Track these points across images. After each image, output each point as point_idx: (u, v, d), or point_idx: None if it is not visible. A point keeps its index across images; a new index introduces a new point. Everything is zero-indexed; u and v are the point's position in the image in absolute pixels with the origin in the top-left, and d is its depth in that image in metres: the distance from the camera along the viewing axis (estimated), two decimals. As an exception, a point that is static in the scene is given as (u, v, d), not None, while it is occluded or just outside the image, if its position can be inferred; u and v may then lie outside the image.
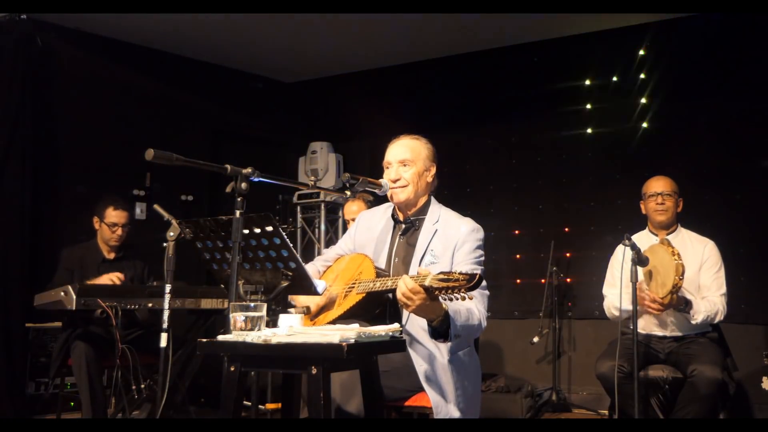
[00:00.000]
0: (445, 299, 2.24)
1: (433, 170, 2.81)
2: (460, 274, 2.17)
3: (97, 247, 4.37)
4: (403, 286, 2.27)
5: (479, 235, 2.71)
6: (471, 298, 2.24)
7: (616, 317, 3.71)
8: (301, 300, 2.76)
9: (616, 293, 3.62)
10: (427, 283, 2.22)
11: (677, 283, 3.41)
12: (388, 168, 2.78)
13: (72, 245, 4.37)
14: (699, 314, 3.59)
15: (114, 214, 4.31)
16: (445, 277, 2.19)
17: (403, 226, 2.81)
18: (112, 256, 4.38)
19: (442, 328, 2.38)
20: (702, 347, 3.61)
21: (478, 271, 2.23)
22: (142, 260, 4.48)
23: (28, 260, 4.94)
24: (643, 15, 5.14)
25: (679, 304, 3.54)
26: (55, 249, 4.59)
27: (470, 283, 2.14)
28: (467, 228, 2.70)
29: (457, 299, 2.20)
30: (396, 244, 2.80)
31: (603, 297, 3.92)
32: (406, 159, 2.75)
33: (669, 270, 3.43)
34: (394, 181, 2.74)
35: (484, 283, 2.32)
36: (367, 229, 2.92)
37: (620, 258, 3.51)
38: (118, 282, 4.05)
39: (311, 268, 2.91)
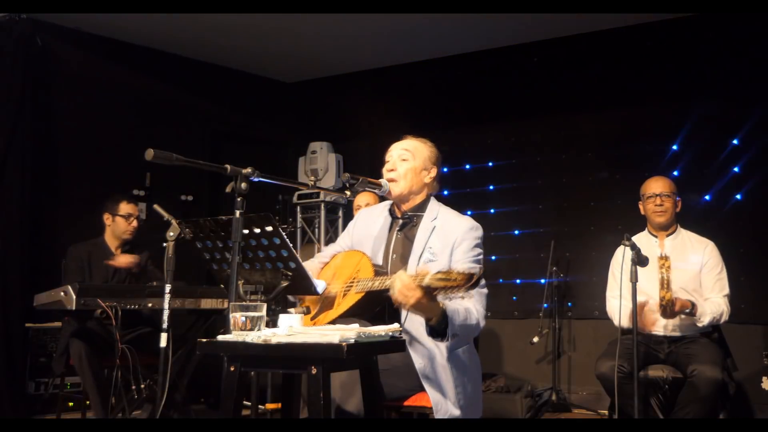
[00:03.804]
0: (444, 298, 2.23)
1: (434, 173, 2.80)
2: (458, 273, 2.16)
3: (104, 243, 4.41)
4: (398, 284, 2.26)
5: (478, 234, 2.70)
6: (471, 297, 2.23)
7: (618, 322, 3.70)
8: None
9: (618, 296, 3.62)
10: (425, 282, 2.21)
11: (664, 296, 3.46)
12: (388, 161, 2.79)
13: (78, 243, 4.39)
14: (705, 317, 3.60)
15: (128, 207, 4.40)
16: (444, 276, 2.18)
17: (401, 221, 2.81)
18: (119, 251, 4.42)
19: (440, 327, 2.37)
20: (702, 347, 3.61)
21: (476, 270, 2.22)
22: (147, 252, 4.52)
23: (28, 260, 4.95)
24: (645, 15, 5.15)
25: (685, 308, 3.54)
26: (55, 249, 4.60)
27: (469, 282, 2.13)
28: (466, 226, 2.69)
29: (456, 298, 2.20)
30: (394, 239, 2.79)
31: (603, 297, 3.92)
32: (405, 154, 2.76)
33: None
34: (389, 171, 2.75)
35: (482, 281, 2.31)
36: (365, 226, 2.91)
37: (620, 259, 3.51)
38: (132, 262, 4.30)
39: (309, 266, 2.90)
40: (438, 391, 2.55)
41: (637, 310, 3.38)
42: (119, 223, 4.37)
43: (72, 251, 4.32)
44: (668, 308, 3.48)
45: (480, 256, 2.68)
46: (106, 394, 3.86)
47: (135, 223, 4.40)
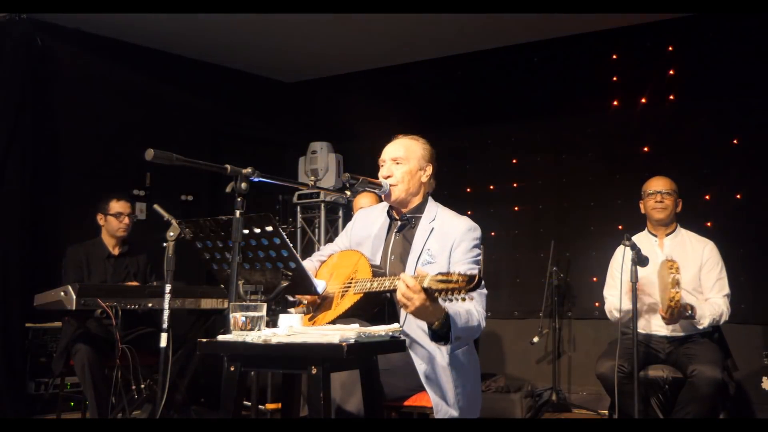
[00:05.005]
0: (445, 300, 2.22)
1: (429, 171, 2.79)
2: (459, 275, 2.14)
3: (102, 243, 4.41)
4: (403, 286, 2.25)
5: (476, 234, 2.69)
6: (471, 299, 2.22)
7: (617, 318, 3.71)
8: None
9: (616, 294, 3.62)
10: (425, 284, 2.19)
11: (674, 297, 3.40)
12: (382, 165, 2.78)
13: (76, 243, 4.39)
14: (705, 319, 3.59)
15: (118, 205, 4.39)
16: (444, 278, 2.16)
17: (399, 223, 2.80)
18: (117, 251, 4.42)
19: (442, 330, 2.36)
20: (702, 347, 3.61)
21: (476, 271, 2.21)
22: (146, 255, 4.52)
23: (28, 260, 4.95)
24: (645, 15, 5.15)
25: (685, 311, 3.54)
26: (55, 249, 4.59)
27: (470, 284, 2.11)
28: (464, 227, 2.68)
29: (457, 300, 2.19)
30: (392, 241, 2.79)
31: (604, 298, 3.92)
32: (399, 157, 2.74)
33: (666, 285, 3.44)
34: (385, 178, 2.74)
35: (482, 282, 2.30)
36: (364, 227, 2.91)
37: (620, 259, 3.51)
38: None
39: (308, 265, 2.90)
40: (438, 393, 2.54)
41: (637, 311, 3.38)
42: (111, 222, 4.38)
43: (70, 252, 4.32)
44: (675, 309, 3.41)
45: (479, 257, 2.67)
46: (105, 400, 3.86)
47: (127, 221, 4.39)
